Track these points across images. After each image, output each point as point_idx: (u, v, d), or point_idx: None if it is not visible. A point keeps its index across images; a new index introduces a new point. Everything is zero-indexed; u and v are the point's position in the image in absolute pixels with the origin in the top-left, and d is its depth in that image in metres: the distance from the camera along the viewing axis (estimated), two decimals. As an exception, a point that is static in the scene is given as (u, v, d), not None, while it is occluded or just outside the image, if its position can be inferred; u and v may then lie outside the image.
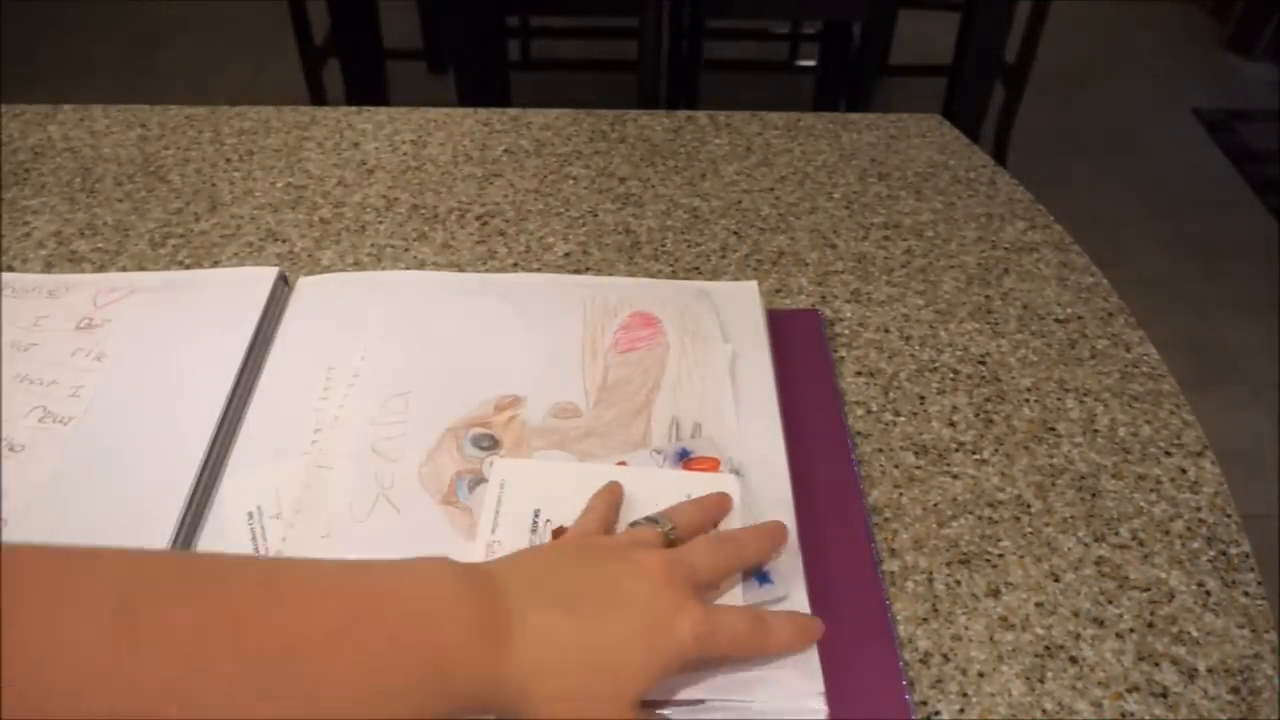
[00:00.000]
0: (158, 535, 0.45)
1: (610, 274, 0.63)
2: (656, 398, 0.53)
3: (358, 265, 0.63)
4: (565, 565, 0.39)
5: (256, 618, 0.30)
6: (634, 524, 0.43)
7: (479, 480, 0.48)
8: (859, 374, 0.57)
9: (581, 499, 0.45)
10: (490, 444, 0.50)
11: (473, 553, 0.44)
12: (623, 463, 0.49)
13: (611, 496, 0.45)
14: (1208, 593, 0.46)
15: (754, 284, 0.60)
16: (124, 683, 0.28)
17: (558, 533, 0.45)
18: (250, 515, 0.47)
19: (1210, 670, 0.42)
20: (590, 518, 0.44)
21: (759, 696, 0.39)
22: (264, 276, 0.60)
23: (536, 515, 0.46)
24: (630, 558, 0.39)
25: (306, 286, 0.60)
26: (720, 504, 0.46)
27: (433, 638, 0.33)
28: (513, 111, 0.80)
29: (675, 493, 0.46)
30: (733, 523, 0.45)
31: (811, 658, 0.41)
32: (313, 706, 0.30)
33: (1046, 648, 0.43)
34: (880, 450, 0.52)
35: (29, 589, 0.28)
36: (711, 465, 0.49)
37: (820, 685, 0.40)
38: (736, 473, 0.48)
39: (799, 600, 0.43)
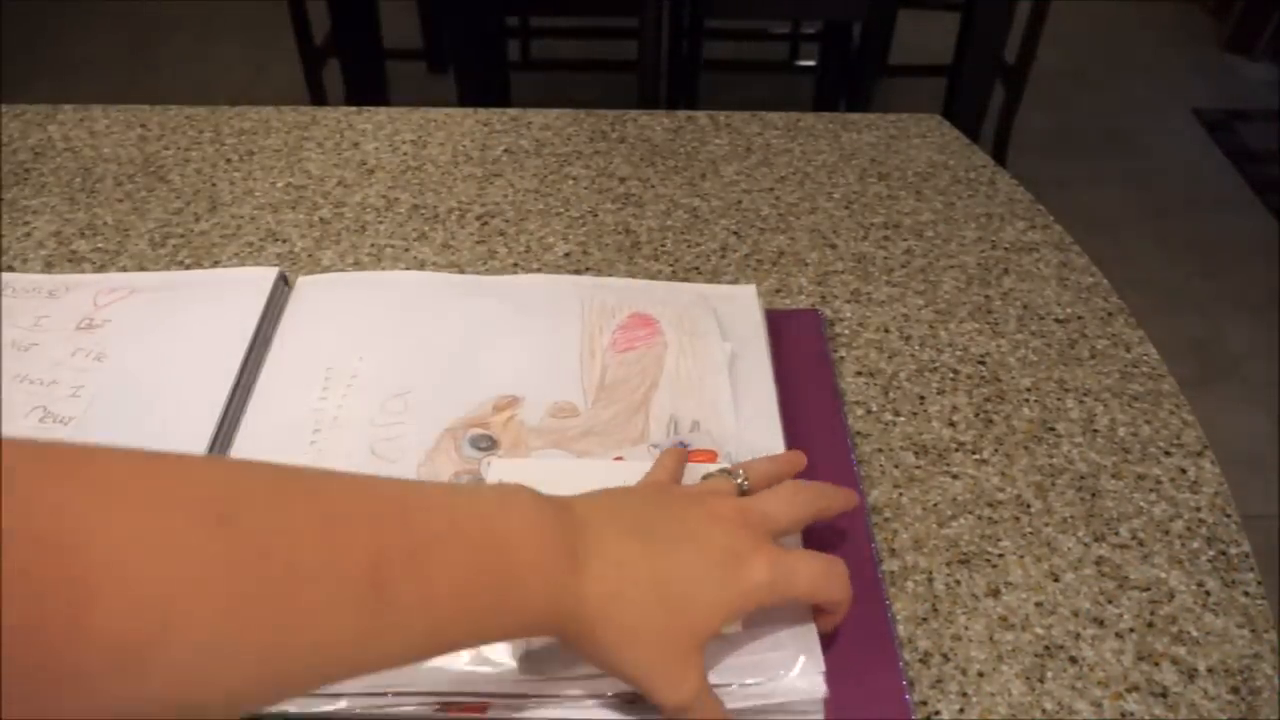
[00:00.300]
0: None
1: (610, 274, 0.63)
2: (655, 396, 0.53)
3: (358, 265, 0.63)
4: (642, 503, 0.39)
5: (346, 531, 0.30)
6: (707, 475, 0.44)
7: (477, 480, 0.48)
8: (859, 374, 0.57)
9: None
10: (488, 444, 0.50)
11: None
12: (619, 458, 0.49)
13: (679, 455, 0.46)
14: (1208, 593, 0.46)
15: (753, 287, 0.60)
16: (219, 588, 0.27)
17: None
18: None
19: (1210, 670, 0.42)
20: (659, 471, 0.45)
21: (761, 677, 0.39)
22: (264, 276, 0.60)
23: None
24: (704, 502, 0.39)
25: (305, 286, 0.60)
26: (793, 461, 0.46)
27: (511, 557, 0.33)
28: (513, 111, 0.80)
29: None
30: None
31: (811, 634, 0.41)
32: (393, 618, 0.30)
33: (1046, 648, 0.43)
34: (880, 450, 0.52)
35: (119, 488, 0.26)
36: (710, 457, 0.49)
37: (821, 664, 0.40)
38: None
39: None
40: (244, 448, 0.50)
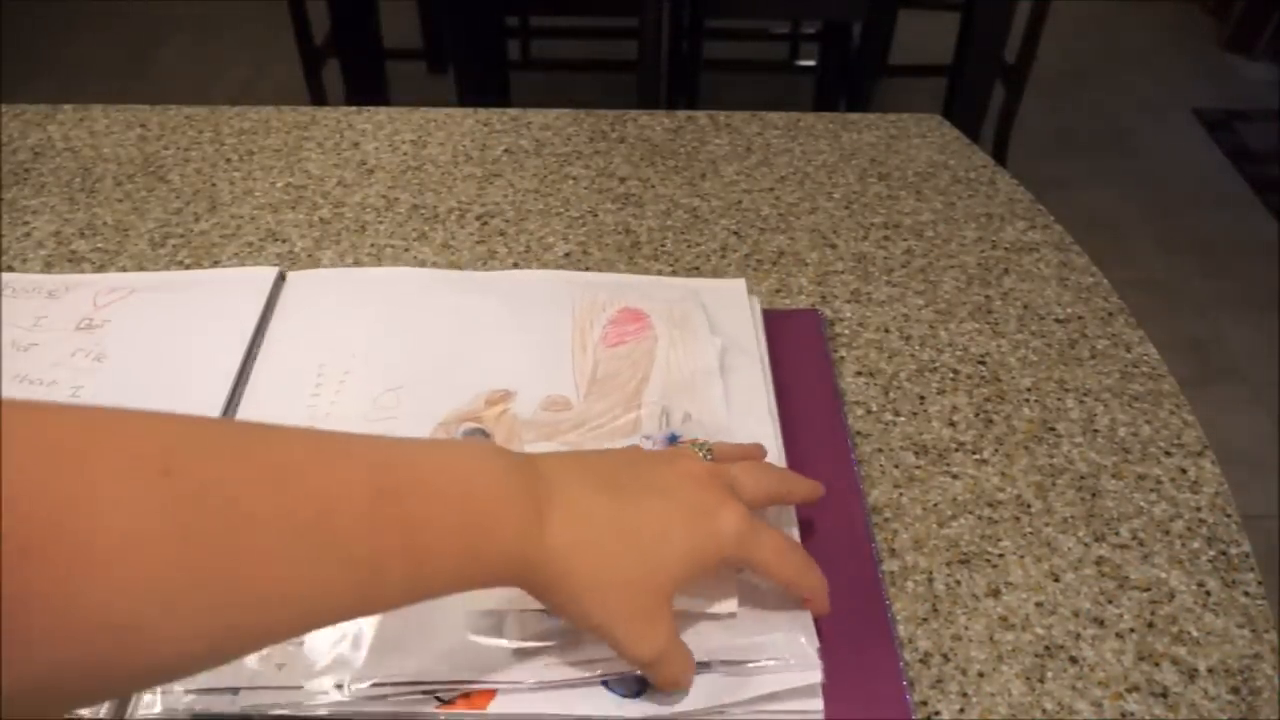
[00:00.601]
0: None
1: (606, 273, 0.63)
2: (646, 389, 0.53)
3: (357, 265, 0.63)
4: (611, 462, 0.39)
5: (298, 481, 0.30)
6: (674, 444, 0.45)
7: None
8: (859, 374, 0.57)
9: None
10: (482, 438, 0.50)
11: None
12: None
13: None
14: (1208, 593, 0.46)
15: (742, 281, 0.60)
16: (168, 543, 0.26)
17: None
18: None
19: (1210, 670, 0.42)
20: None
21: (759, 657, 0.39)
22: (264, 276, 0.60)
23: None
24: (674, 462, 0.40)
25: (296, 281, 0.60)
26: (754, 451, 0.46)
27: (474, 506, 0.33)
28: (513, 111, 0.80)
29: None
30: None
31: (807, 620, 0.41)
32: (350, 570, 0.30)
33: (1046, 648, 0.43)
34: (880, 450, 0.52)
35: (58, 446, 0.26)
36: None
37: (816, 642, 0.40)
38: None
39: (799, 600, 0.43)
40: None
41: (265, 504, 0.28)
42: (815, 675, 0.39)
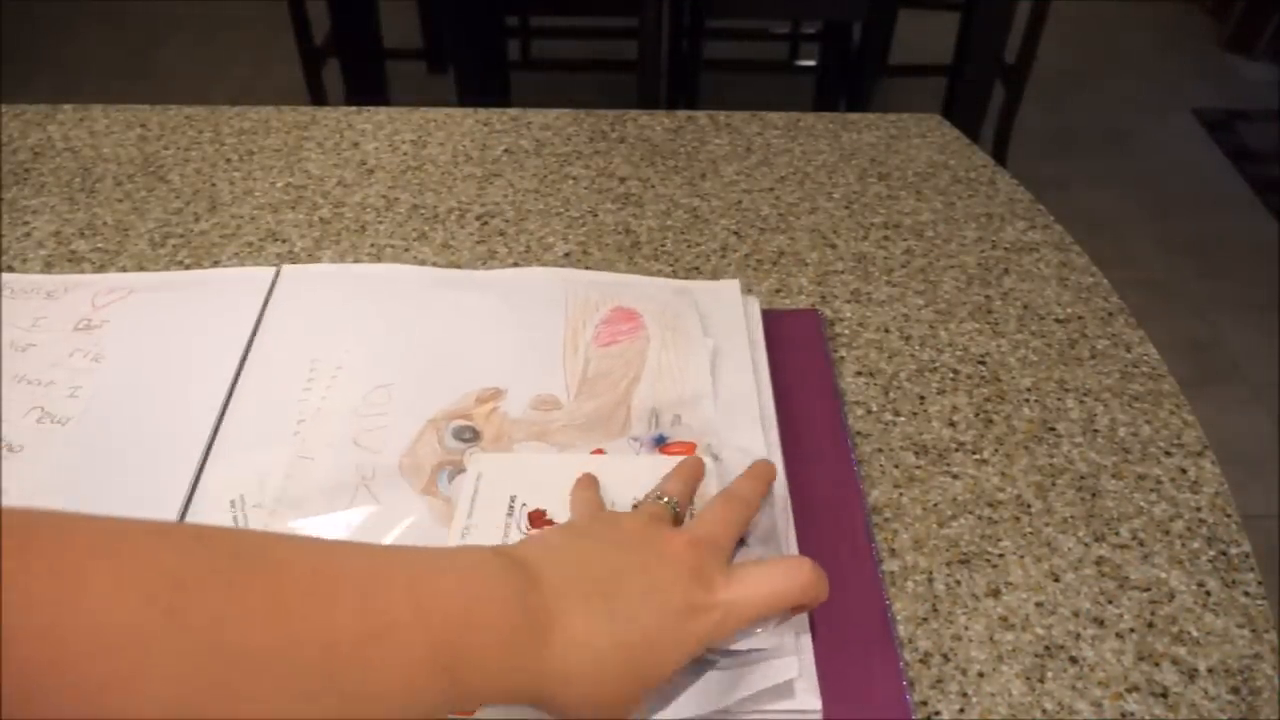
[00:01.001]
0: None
1: (601, 272, 0.63)
2: (637, 390, 0.53)
3: (350, 264, 0.63)
4: (599, 552, 0.38)
5: (303, 613, 0.30)
6: (637, 505, 0.44)
7: (459, 471, 0.49)
8: (859, 374, 0.57)
9: (558, 487, 0.46)
10: (471, 435, 0.51)
11: (448, 539, 0.45)
12: (600, 450, 0.50)
13: (590, 482, 0.46)
14: (1208, 593, 0.46)
15: (736, 282, 0.60)
16: (170, 675, 0.27)
17: (535, 516, 0.45)
18: (233, 503, 0.47)
19: (1210, 670, 0.42)
20: (581, 507, 0.44)
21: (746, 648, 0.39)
22: (263, 276, 0.60)
23: (513, 501, 0.46)
24: (655, 540, 0.39)
25: (290, 274, 0.60)
26: (694, 470, 0.46)
27: (471, 639, 0.33)
28: (513, 111, 0.80)
29: (652, 476, 0.46)
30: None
31: (805, 643, 0.41)
32: (348, 705, 0.30)
33: (1046, 648, 0.43)
34: (880, 450, 0.52)
35: (76, 565, 0.26)
36: (688, 449, 0.49)
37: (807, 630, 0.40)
38: (715, 458, 0.49)
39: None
40: (229, 435, 0.50)
41: (264, 641, 0.29)
42: (808, 665, 0.39)
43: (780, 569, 0.39)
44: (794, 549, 0.45)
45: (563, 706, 0.35)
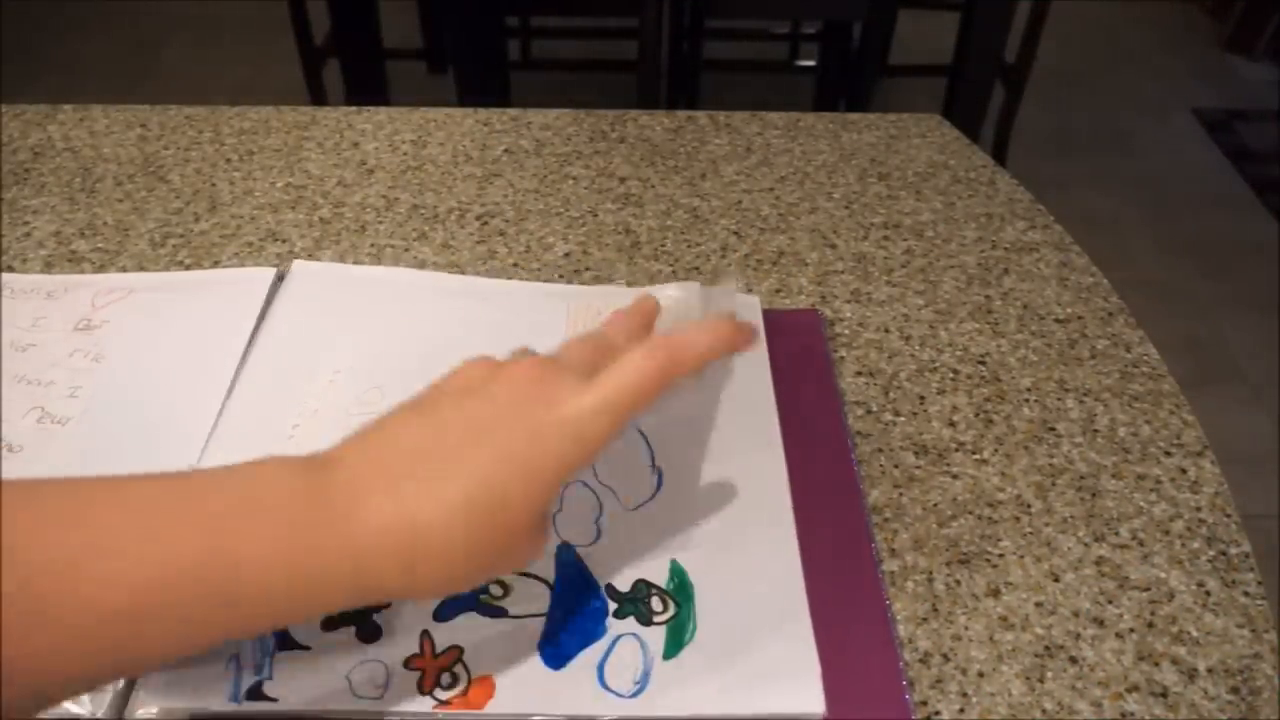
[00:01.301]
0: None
1: (610, 274, 0.63)
2: None
3: (357, 265, 0.63)
4: (418, 423, 0.35)
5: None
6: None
7: None
8: (859, 374, 0.57)
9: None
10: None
11: None
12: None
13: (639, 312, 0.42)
14: (1208, 593, 0.46)
15: (731, 287, 0.60)
16: None
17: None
18: None
19: (1210, 670, 0.42)
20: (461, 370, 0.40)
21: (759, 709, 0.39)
22: (263, 277, 0.60)
23: None
24: (490, 381, 0.36)
25: (298, 271, 0.60)
26: (640, 312, 0.41)
27: (248, 534, 0.31)
28: (513, 111, 0.80)
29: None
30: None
31: (811, 655, 0.41)
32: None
33: (1046, 648, 0.43)
34: (880, 450, 0.52)
35: None
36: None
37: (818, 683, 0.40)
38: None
39: (798, 601, 0.43)
40: (225, 435, 0.50)
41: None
42: (817, 704, 0.39)
43: (649, 348, 0.35)
44: (801, 586, 0.44)
45: (408, 589, 0.33)
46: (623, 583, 0.44)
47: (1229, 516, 0.49)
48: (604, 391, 0.34)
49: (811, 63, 2.19)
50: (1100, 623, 0.44)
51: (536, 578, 0.44)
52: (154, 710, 0.38)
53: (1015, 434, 0.53)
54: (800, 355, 0.57)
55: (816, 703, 0.39)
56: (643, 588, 0.44)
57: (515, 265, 0.64)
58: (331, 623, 0.41)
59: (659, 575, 0.44)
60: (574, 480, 0.47)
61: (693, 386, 0.51)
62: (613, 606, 0.43)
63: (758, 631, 0.41)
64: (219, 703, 0.38)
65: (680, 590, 0.43)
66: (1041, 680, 0.42)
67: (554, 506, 0.35)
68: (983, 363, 0.58)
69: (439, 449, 0.34)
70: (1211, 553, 0.47)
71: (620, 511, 0.47)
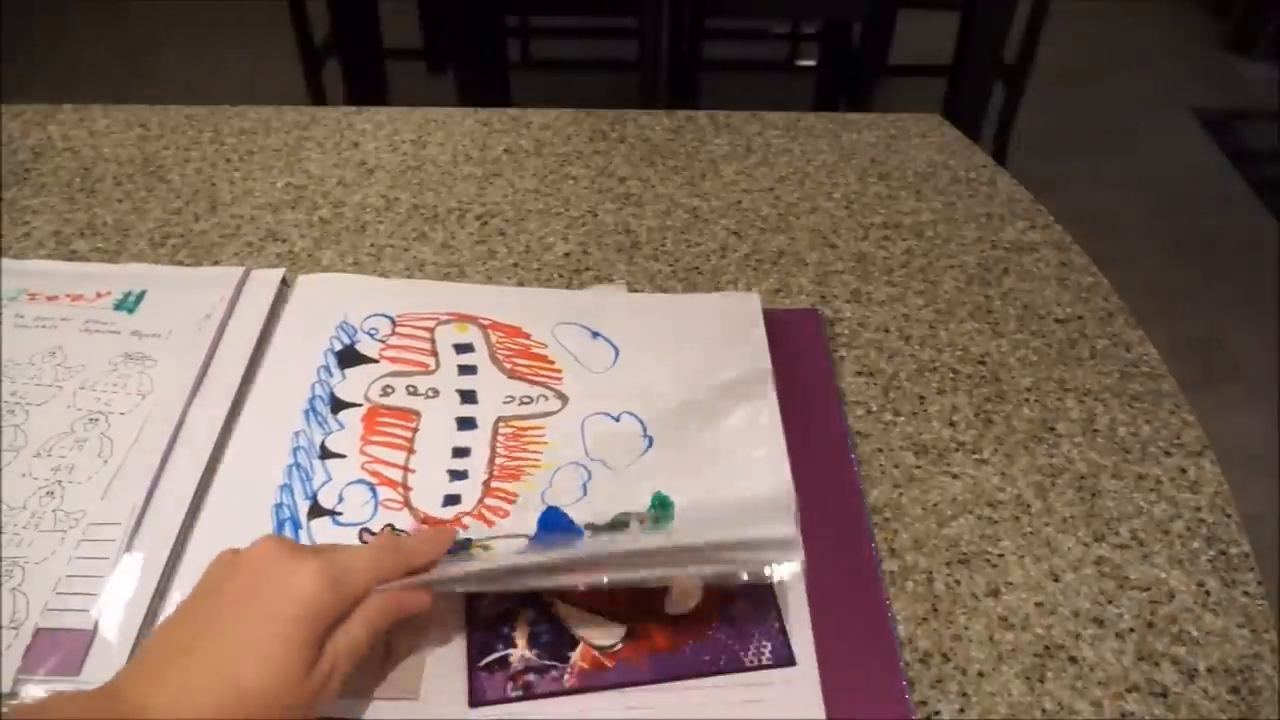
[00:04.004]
0: (160, 540, 0.45)
1: (610, 274, 0.63)
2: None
3: (357, 265, 0.63)
4: (178, 620, 0.37)
5: None
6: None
7: None
8: (859, 374, 0.57)
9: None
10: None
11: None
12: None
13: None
14: (1208, 593, 0.46)
15: (728, 297, 0.60)
16: None
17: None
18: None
19: (1210, 670, 0.42)
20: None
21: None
22: (267, 279, 0.60)
23: None
24: (235, 564, 0.38)
25: (305, 285, 0.60)
26: (397, 602, 0.40)
27: None
28: (513, 111, 0.80)
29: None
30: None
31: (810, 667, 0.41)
32: None
33: (1046, 648, 0.43)
34: (880, 450, 0.52)
35: None
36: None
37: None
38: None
39: (798, 601, 0.43)
40: (238, 431, 0.50)
41: None
42: (791, 529, 0.40)
43: (379, 540, 0.40)
44: (801, 586, 0.44)
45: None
46: (603, 519, 0.45)
47: (1229, 516, 0.49)
48: (323, 559, 0.37)
49: (811, 63, 2.19)
50: (1100, 623, 0.44)
51: (518, 535, 0.45)
52: None
53: (1015, 434, 0.53)
54: (800, 355, 0.57)
55: (817, 708, 0.39)
56: (623, 517, 0.45)
57: (515, 265, 0.64)
58: None
59: (640, 505, 0.45)
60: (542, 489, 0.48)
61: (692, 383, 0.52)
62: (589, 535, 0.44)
63: (736, 481, 0.43)
64: None
65: (660, 507, 0.45)
66: (1041, 680, 0.42)
67: (322, 665, 0.36)
68: (983, 362, 0.58)
69: (191, 648, 0.35)
70: (1211, 553, 0.47)
71: (607, 473, 0.48)
